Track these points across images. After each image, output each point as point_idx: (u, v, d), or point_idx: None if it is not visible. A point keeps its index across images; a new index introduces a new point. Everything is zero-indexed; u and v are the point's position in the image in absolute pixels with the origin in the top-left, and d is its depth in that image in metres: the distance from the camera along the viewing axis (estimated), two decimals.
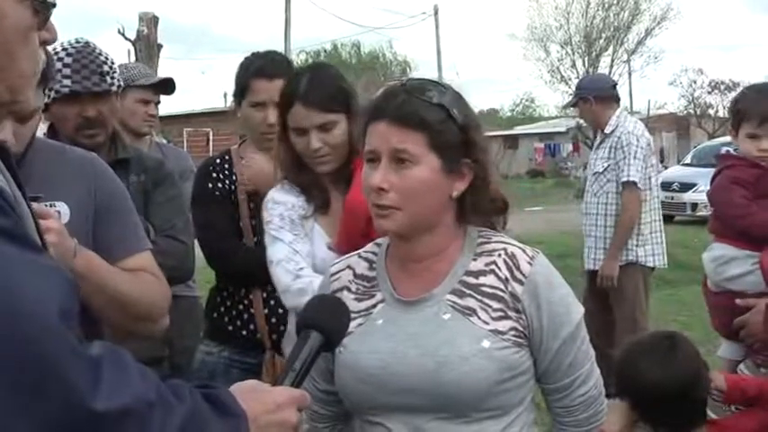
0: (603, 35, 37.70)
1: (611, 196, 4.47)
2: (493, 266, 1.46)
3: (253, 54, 2.54)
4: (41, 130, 2.34)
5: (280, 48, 22.22)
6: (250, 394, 1.08)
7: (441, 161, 1.42)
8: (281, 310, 2.34)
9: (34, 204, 1.22)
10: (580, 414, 1.51)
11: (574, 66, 38.12)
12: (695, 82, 40.02)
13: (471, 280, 1.46)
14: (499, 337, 1.41)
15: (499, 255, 1.47)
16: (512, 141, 38.86)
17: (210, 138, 22.77)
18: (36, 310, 0.84)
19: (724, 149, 2.73)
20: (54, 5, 1.04)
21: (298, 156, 2.09)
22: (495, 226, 1.54)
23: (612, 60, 38.09)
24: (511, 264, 1.45)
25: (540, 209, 17.93)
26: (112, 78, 2.32)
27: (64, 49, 2.28)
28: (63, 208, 1.72)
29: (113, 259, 1.74)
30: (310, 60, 27.65)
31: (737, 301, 2.30)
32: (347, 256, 1.63)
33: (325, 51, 37.27)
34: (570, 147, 36.88)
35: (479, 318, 1.42)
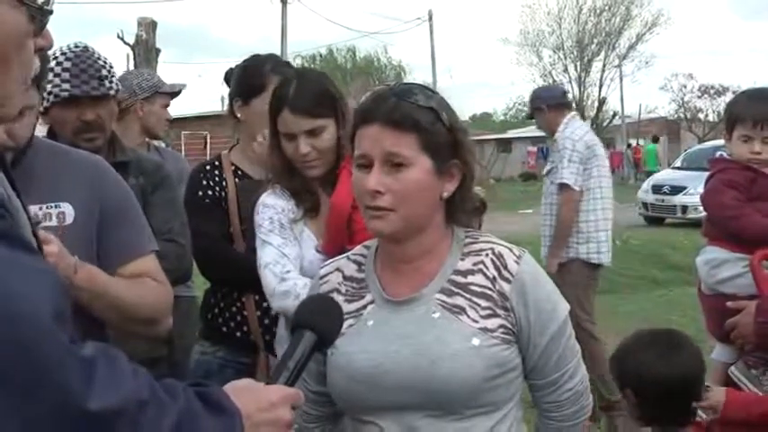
0: (595, 40, 37.96)
1: (554, 197, 4.75)
2: (481, 266, 1.48)
3: (256, 56, 2.56)
4: (41, 132, 2.36)
5: (276, 52, 22.31)
6: (244, 392, 1.09)
7: (432, 162, 1.44)
8: (273, 313, 2.35)
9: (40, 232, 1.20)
10: (567, 409, 1.54)
11: (566, 70, 38.38)
12: (685, 86, 40.46)
13: (460, 279, 1.48)
14: (488, 334, 1.43)
15: (487, 254, 1.49)
16: (505, 145, 39.03)
17: (208, 141, 22.81)
18: (30, 312, 0.85)
19: (717, 153, 2.70)
20: (51, 12, 1.03)
21: (288, 160, 2.10)
22: (473, 226, 1.58)
23: (604, 65, 38.38)
24: (498, 263, 1.47)
25: (532, 211, 17.99)
26: (111, 82, 2.34)
27: (63, 54, 2.29)
28: (67, 209, 1.72)
29: (119, 262, 1.75)
30: (306, 65, 27.74)
31: (728, 303, 2.32)
32: (336, 258, 1.64)
33: (320, 56, 37.43)
34: None
35: (468, 316, 1.44)
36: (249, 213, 2.35)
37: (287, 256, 2.03)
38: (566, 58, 38.27)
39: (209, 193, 2.43)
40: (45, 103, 2.30)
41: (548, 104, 4.90)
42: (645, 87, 78.06)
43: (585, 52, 37.95)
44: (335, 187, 2.08)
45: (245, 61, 2.55)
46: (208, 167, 2.48)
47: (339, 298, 1.52)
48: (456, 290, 1.47)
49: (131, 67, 13.22)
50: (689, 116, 40.09)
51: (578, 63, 38.05)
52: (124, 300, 1.70)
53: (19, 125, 1.66)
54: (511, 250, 1.50)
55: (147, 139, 3.35)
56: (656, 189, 15.05)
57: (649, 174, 21.35)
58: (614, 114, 37.67)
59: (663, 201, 14.73)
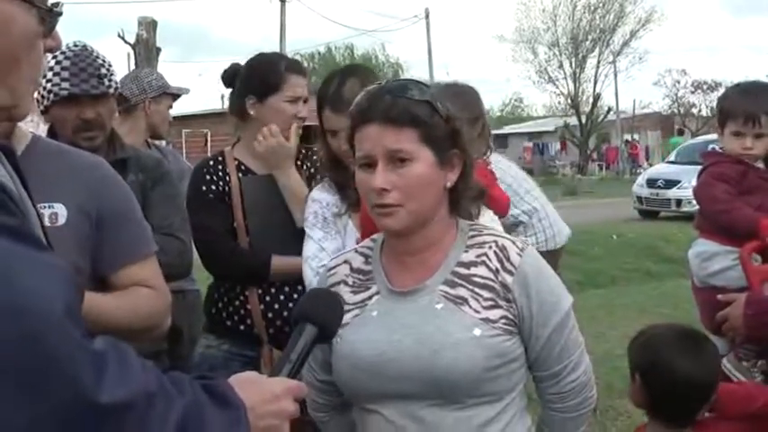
0: (590, 37, 38.11)
1: None
2: (484, 257, 1.49)
3: (264, 54, 2.57)
4: (42, 131, 2.40)
5: (275, 50, 22.36)
6: (248, 385, 1.09)
7: (434, 154, 1.45)
8: (276, 306, 2.39)
9: None
10: (571, 400, 1.54)
11: (561, 67, 38.58)
12: (679, 82, 40.63)
13: (463, 270, 1.49)
14: (490, 325, 1.45)
15: (490, 246, 1.50)
16: (501, 141, 38.99)
17: (209, 139, 22.85)
18: (41, 307, 0.86)
19: (710, 147, 2.72)
20: (60, 14, 1.05)
21: (335, 155, 2.13)
22: (473, 214, 1.59)
23: (598, 61, 38.57)
24: (501, 255, 1.49)
25: None
26: (110, 81, 2.34)
27: (62, 53, 2.27)
28: (60, 210, 1.69)
29: (115, 266, 1.74)
30: (306, 63, 27.70)
31: (719, 296, 2.32)
32: (345, 251, 1.69)
33: (319, 54, 37.50)
34: (558, 145, 37.23)
35: (470, 307, 1.46)
36: (252, 208, 2.41)
37: (325, 250, 2.06)
38: (561, 54, 38.46)
39: (213, 188, 2.43)
40: (45, 102, 2.32)
41: None
42: (639, 83, 78.49)
43: (580, 49, 38.08)
44: None
45: (255, 59, 2.54)
46: (211, 162, 2.48)
47: (346, 289, 1.55)
48: (459, 281, 1.48)
49: (132, 67, 13.35)
50: (682, 111, 40.22)
51: (573, 59, 38.21)
52: (114, 319, 1.66)
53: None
54: (514, 243, 1.51)
55: (146, 138, 3.37)
56: (651, 183, 15.17)
57: None
58: (609, 110, 37.76)
59: (657, 194, 14.83)
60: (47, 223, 1.67)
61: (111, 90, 2.36)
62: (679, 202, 13.83)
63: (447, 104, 1.48)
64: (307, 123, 2.50)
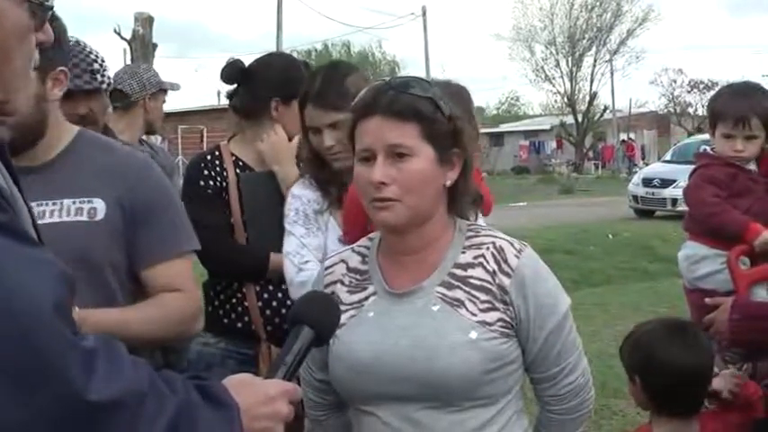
0: (587, 36, 38.19)
1: None
2: (481, 259, 1.48)
3: (283, 54, 2.58)
4: None
5: (272, 47, 22.45)
6: (242, 386, 1.09)
7: (434, 151, 1.44)
8: (274, 303, 2.36)
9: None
10: (568, 402, 1.53)
11: (558, 65, 38.64)
12: (675, 81, 40.68)
13: (460, 272, 1.48)
14: (486, 328, 1.44)
15: (487, 248, 1.49)
16: (497, 139, 39.19)
17: (204, 135, 22.88)
18: (30, 304, 0.85)
19: (701, 148, 2.72)
20: (51, 8, 1.05)
21: (316, 152, 2.13)
22: (471, 218, 1.59)
23: (595, 60, 38.67)
24: (499, 257, 1.48)
25: (524, 204, 18.17)
26: (103, 76, 2.33)
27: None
28: (99, 204, 1.71)
29: (147, 263, 1.74)
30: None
31: (706, 300, 2.32)
32: (341, 250, 1.67)
33: (316, 51, 37.51)
34: (554, 144, 37.31)
35: (467, 309, 1.45)
36: (251, 205, 2.38)
37: (307, 247, 2.06)
38: (557, 53, 38.53)
39: (211, 183, 2.40)
40: None
41: None
42: (635, 82, 78.76)
43: (577, 47, 38.16)
44: None
45: (276, 60, 2.52)
46: (208, 157, 2.44)
47: (342, 289, 1.54)
48: (456, 283, 1.47)
49: (129, 63, 13.31)
50: (678, 110, 40.32)
51: (570, 58, 38.27)
52: (147, 333, 1.68)
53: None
54: (512, 244, 1.50)
55: (141, 135, 3.41)
56: (647, 182, 15.22)
57: None
58: (605, 109, 37.89)
59: (653, 194, 14.88)
60: (85, 218, 1.70)
61: (104, 85, 2.35)
62: (675, 202, 13.86)
63: (450, 103, 1.48)
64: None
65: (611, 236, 11.50)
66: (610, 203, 16.62)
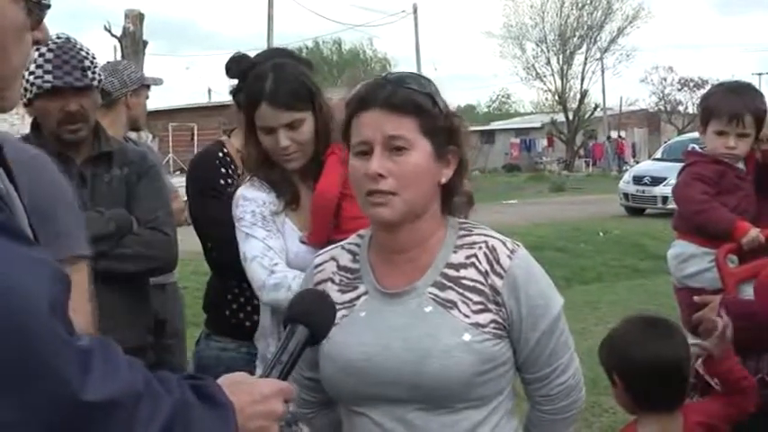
0: (577, 33, 38.29)
1: None
2: (473, 259, 1.47)
3: (285, 50, 2.51)
4: (27, 124, 2.39)
5: (263, 45, 22.39)
6: (237, 386, 1.09)
7: (432, 146, 1.43)
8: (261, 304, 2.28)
9: None
10: (559, 402, 1.53)
11: (548, 63, 38.71)
12: (665, 79, 40.82)
13: (452, 273, 1.47)
14: (479, 330, 1.43)
15: (480, 248, 1.48)
16: (488, 136, 39.22)
17: (195, 132, 22.81)
18: (26, 304, 0.85)
19: (690, 146, 2.67)
20: (48, 7, 1.06)
21: (266, 153, 2.09)
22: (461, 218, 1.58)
23: (586, 58, 38.77)
24: (491, 257, 1.46)
25: (515, 202, 18.20)
26: (93, 73, 2.31)
27: (45, 45, 2.22)
28: None
29: None
30: None
31: (695, 298, 2.32)
32: (331, 247, 1.62)
33: (306, 48, 37.39)
34: (545, 142, 37.40)
35: (460, 311, 1.44)
36: None
37: (273, 249, 2.01)
38: (548, 50, 38.61)
39: (230, 181, 2.34)
40: (28, 95, 2.29)
41: None
42: (626, 80, 79.02)
43: (568, 45, 38.25)
44: (318, 177, 2.08)
45: (278, 55, 2.46)
46: (220, 155, 2.39)
47: (333, 287, 1.52)
48: (448, 284, 1.46)
49: (118, 60, 13.25)
50: (669, 108, 40.47)
51: (561, 56, 38.36)
52: None
53: None
54: (504, 244, 1.49)
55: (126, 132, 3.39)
56: (638, 180, 15.29)
57: None
58: (596, 106, 37.98)
59: (644, 191, 14.94)
60: None
61: (95, 83, 2.34)
62: (665, 199, 13.92)
63: (446, 100, 1.48)
64: None
65: (601, 233, 11.55)
66: (601, 201, 16.68)
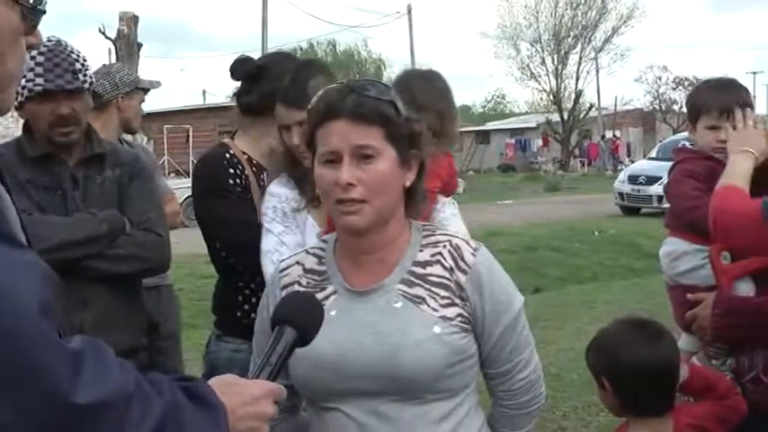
0: (572, 33, 38.37)
1: None
2: (439, 257, 1.52)
3: (288, 53, 2.55)
4: (19, 127, 2.38)
5: (257, 46, 22.41)
6: (228, 387, 1.11)
7: (396, 153, 1.47)
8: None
9: None
10: (521, 397, 1.58)
11: (543, 63, 38.78)
12: (660, 79, 40.90)
13: (419, 270, 1.52)
14: (448, 322, 1.48)
15: (444, 246, 1.53)
16: (483, 137, 39.30)
17: (190, 134, 22.84)
18: (17, 306, 0.85)
19: (681, 143, 2.67)
20: (43, 13, 1.06)
21: (291, 150, 2.15)
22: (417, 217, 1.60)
23: (581, 58, 38.85)
24: (456, 254, 1.52)
25: (510, 202, 18.25)
26: (85, 76, 2.31)
27: (36, 48, 2.37)
28: None
29: None
30: None
31: (688, 295, 2.32)
32: (296, 252, 1.69)
33: (301, 49, 37.36)
34: (540, 142, 37.46)
35: (429, 305, 1.49)
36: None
37: (285, 245, 2.06)
38: (543, 51, 38.70)
39: (239, 181, 2.36)
40: (19, 98, 2.28)
41: None
42: (620, 79, 78.57)
43: (562, 45, 38.33)
44: None
45: (283, 58, 2.50)
46: (227, 156, 2.40)
47: (300, 290, 1.55)
48: (416, 280, 1.51)
49: (113, 62, 13.24)
50: (664, 108, 40.57)
51: (555, 56, 38.44)
52: None
53: None
54: (468, 243, 1.55)
55: (119, 134, 3.40)
56: (633, 179, 15.32)
57: None
58: (591, 106, 38.06)
59: (639, 191, 14.98)
60: None
61: (86, 85, 2.34)
62: (660, 199, 13.92)
63: (405, 106, 1.51)
64: None
65: (597, 233, 11.58)
66: (596, 201, 16.72)
